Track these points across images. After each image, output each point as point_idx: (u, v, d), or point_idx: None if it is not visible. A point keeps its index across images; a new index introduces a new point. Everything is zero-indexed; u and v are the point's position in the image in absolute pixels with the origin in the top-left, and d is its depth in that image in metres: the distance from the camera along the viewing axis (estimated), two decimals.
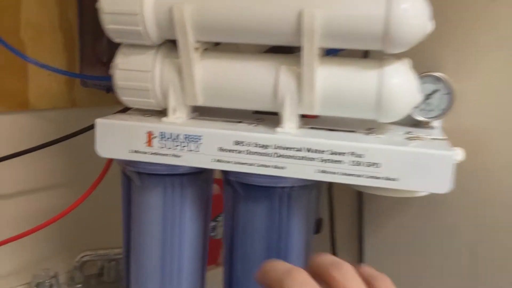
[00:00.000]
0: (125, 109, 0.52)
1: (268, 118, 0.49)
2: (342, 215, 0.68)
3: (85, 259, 0.71)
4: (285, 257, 0.50)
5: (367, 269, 0.34)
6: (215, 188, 0.65)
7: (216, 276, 0.66)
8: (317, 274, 0.29)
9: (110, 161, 0.52)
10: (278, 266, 0.29)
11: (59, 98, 0.68)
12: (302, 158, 0.43)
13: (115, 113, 0.51)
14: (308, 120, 0.48)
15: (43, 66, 0.62)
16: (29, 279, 0.70)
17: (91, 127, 0.59)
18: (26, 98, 0.65)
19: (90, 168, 0.57)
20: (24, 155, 0.61)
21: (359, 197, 0.65)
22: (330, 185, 0.67)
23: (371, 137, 0.45)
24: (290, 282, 0.28)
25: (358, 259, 0.67)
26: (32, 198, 0.70)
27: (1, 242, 0.60)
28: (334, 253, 0.69)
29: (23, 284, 0.72)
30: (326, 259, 0.30)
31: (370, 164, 0.42)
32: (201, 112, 0.50)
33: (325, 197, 0.67)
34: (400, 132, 0.48)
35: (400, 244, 0.62)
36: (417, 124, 0.51)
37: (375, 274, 0.33)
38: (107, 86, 0.65)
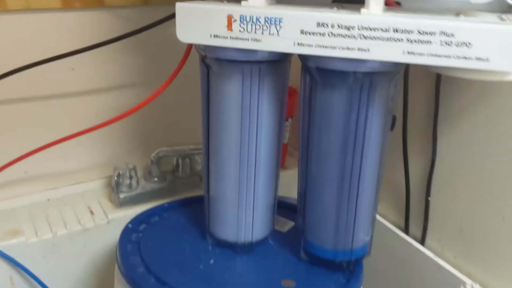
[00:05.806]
0: None
1: (349, 6, 0.47)
2: (416, 113, 0.67)
3: (161, 154, 0.74)
4: (361, 152, 0.50)
5: None
6: None
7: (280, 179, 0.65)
8: None
9: (189, 50, 0.53)
10: None
11: None
12: (389, 39, 0.41)
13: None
14: (390, 8, 0.46)
15: None
16: (109, 173, 0.74)
17: (168, 18, 0.60)
18: None
19: (165, 66, 0.58)
20: (99, 50, 0.63)
21: (436, 95, 0.63)
22: (406, 81, 0.65)
23: (461, 17, 0.43)
24: None
25: (430, 159, 0.66)
26: (108, 95, 0.73)
27: (75, 134, 0.63)
28: (405, 152, 0.68)
29: (104, 177, 0.76)
30: None
31: (461, 44, 0.40)
32: (279, 2, 0.49)
33: (399, 93, 0.66)
34: (492, 17, 0.45)
35: (475, 145, 0.61)
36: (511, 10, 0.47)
37: None
38: None
